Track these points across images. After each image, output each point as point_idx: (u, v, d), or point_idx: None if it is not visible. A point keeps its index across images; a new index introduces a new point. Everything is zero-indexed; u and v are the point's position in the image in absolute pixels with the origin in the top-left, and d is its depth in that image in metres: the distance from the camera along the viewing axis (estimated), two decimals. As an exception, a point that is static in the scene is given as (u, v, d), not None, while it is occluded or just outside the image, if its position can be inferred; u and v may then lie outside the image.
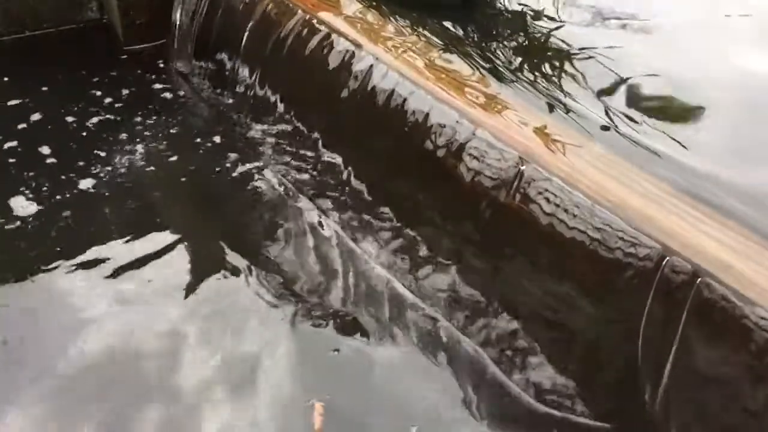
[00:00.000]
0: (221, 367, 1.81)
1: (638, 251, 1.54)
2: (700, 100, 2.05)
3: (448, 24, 2.50)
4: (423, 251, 2.06)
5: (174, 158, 2.58)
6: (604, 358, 1.67)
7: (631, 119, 1.95)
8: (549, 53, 2.38)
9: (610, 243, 1.58)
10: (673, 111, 2.05)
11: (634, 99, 2.06)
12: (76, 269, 2.09)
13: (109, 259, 2.13)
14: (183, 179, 2.50)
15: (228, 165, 2.55)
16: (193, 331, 1.90)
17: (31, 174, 2.45)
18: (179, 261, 2.15)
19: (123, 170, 2.50)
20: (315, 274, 2.10)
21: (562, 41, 2.41)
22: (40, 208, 2.30)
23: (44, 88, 2.93)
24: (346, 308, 1.99)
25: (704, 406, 1.48)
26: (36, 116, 2.76)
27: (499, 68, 2.22)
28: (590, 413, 1.66)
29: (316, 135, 2.51)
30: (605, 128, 1.89)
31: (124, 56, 3.26)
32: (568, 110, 1.97)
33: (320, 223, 2.27)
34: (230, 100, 2.89)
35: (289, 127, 2.63)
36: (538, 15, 2.61)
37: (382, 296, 2.02)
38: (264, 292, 2.03)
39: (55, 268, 2.09)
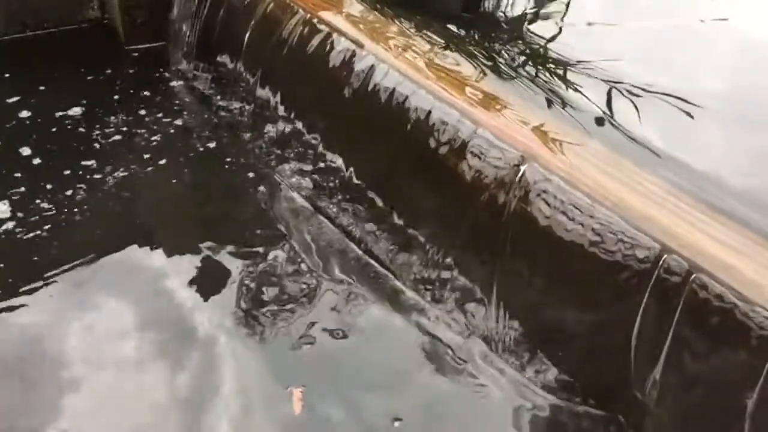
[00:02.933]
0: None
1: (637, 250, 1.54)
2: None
3: (449, 24, 2.51)
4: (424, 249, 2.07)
5: (172, 160, 2.57)
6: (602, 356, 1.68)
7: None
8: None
9: (610, 242, 1.59)
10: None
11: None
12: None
13: (97, 261, 2.12)
14: (182, 181, 2.49)
15: (228, 167, 2.54)
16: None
17: (18, 175, 2.43)
18: (173, 268, 2.12)
19: (120, 171, 2.48)
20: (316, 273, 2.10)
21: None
22: (30, 209, 2.27)
23: (42, 88, 2.92)
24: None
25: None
26: (34, 115, 2.75)
27: (500, 67, 2.23)
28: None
29: (316, 135, 2.51)
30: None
31: (125, 55, 3.26)
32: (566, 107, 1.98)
33: (318, 223, 2.27)
34: (231, 100, 2.89)
35: (289, 127, 2.63)
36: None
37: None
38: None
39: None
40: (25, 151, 2.55)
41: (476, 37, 2.53)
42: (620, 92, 2.12)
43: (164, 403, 1.73)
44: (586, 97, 2.08)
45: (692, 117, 2.02)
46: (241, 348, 1.86)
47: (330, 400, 1.72)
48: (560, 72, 2.23)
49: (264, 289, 2.03)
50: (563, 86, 2.14)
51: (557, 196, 1.69)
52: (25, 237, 2.17)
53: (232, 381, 1.77)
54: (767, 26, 2.62)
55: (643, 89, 2.12)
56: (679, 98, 2.07)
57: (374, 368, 1.84)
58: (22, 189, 2.36)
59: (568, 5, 2.81)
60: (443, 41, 2.35)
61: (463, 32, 2.54)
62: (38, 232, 2.19)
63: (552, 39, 2.51)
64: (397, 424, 1.67)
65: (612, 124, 1.96)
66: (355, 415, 1.69)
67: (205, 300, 2.01)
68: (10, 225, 2.21)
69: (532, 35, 2.56)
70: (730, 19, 2.64)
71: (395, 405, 1.71)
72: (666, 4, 2.84)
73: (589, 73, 2.22)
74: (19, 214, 2.25)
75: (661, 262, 1.49)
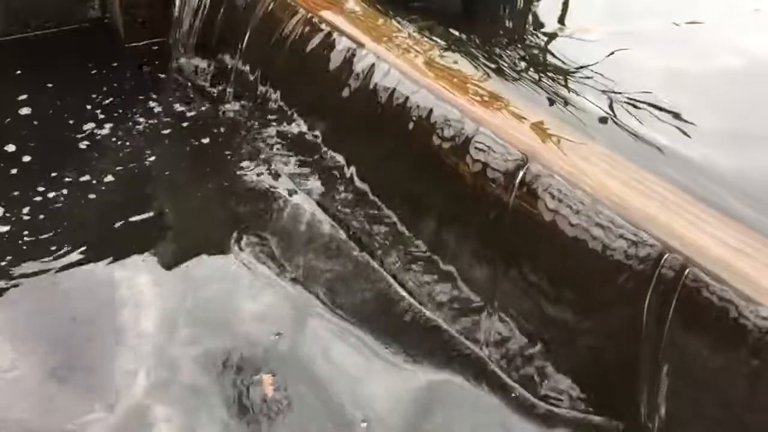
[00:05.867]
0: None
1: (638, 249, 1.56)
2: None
3: (449, 23, 2.51)
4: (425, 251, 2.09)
5: (172, 157, 2.58)
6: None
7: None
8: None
9: (611, 240, 1.60)
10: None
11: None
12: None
13: (98, 254, 2.14)
14: (181, 179, 2.51)
15: (228, 167, 2.54)
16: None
17: (14, 172, 2.45)
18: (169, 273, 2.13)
19: (119, 168, 2.50)
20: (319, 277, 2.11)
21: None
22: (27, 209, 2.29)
23: (47, 85, 2.94)
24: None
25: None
26: (34, 114, 2.76)
27: (502, 66, 2.24)
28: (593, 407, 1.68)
29: (317, 133, 2.52)
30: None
31: (125, 54, 3.26)
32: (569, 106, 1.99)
33: (319, 222, 2.28)
34: (231, 99, 2.89)
35: (290, 126, 2.64)
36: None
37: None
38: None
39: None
40: (22, 149, 2.57)
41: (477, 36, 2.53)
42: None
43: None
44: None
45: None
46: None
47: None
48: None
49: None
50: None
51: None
52: (19, 235, 2.19)
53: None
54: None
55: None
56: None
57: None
58: (16, 191, 2.37)
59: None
60: (444, 40, 2.36)
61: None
62: (33, 230, 2.21)
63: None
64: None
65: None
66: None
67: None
68: (5, 225, 2.23)
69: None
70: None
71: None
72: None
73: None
74: (7, 214, 2.27)
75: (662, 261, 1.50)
